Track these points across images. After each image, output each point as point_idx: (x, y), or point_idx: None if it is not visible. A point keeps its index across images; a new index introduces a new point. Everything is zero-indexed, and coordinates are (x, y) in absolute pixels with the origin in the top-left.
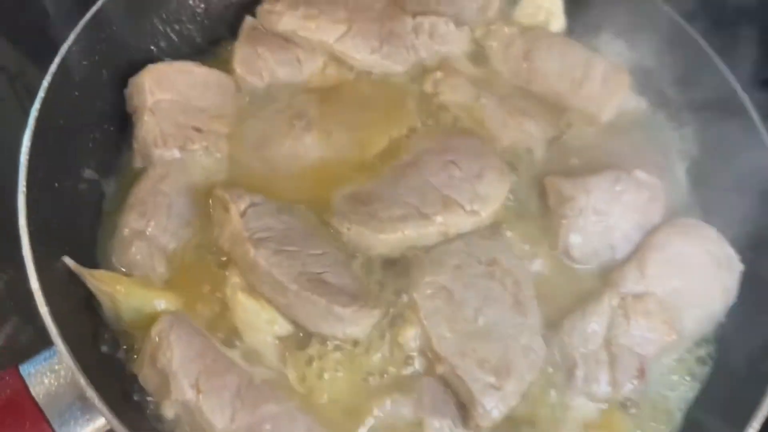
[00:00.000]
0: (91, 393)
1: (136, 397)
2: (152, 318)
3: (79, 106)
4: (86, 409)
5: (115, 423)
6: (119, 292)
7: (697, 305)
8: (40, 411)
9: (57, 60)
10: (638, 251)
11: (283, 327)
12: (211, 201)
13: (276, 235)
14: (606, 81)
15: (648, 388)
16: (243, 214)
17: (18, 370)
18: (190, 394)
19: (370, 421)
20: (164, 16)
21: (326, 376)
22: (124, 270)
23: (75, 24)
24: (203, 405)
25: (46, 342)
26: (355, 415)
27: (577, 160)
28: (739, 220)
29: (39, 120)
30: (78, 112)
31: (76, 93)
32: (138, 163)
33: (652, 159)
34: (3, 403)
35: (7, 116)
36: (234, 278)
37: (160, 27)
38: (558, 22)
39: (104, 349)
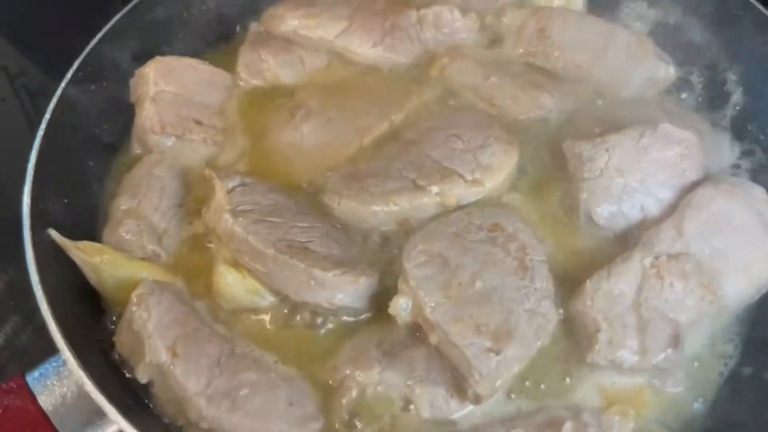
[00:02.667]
0: (100, 399)
1: (146, 400)
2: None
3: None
4: (95, 416)
5: (125, 425)
6: (104, 263)
7: (740, 270)
8: (48, 419)
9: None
10: (676, 210)
11: (266, 299)
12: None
13: (261, 209)
14: (630, 49)
15: (682, 359)
16: (230, 191)
17: (24, 379)
18: (164, 357)
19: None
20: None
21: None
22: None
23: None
24: (178, 369)
25: (45, 342)
26: None
27: (599, 129)
28: None
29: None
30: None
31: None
32: (135, 149)
33: (687, 122)
34: (10, 412)
35: (7, 116)
36: (218, 252)
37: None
38: (576, 7)
39: (115, 357)
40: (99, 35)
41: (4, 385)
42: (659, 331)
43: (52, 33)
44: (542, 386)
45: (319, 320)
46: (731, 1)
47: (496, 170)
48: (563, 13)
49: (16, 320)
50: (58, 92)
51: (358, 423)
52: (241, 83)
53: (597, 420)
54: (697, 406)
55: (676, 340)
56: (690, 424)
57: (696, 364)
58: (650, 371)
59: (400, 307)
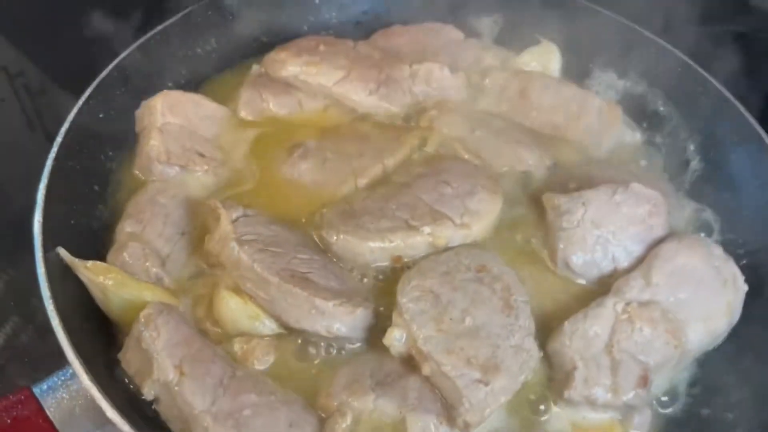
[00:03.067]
0: (111, 413)
1: (149, 414)
2: (141, 310)
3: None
4: (103, 428)
5: None
6: (110, 280)
7: (701, 319)
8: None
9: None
10: (644, 261)
11: (266, 326)
12: (207, 213)
13: (264, 240)
14: (601, 114)
15: (649, 397)
16: (234, 221)
17: (32, 391)
18: (172, 375)
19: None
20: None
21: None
22: None
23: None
24: (185, 387)
25: (45, 342)
26: None
27: (575, 185)
28: (741, 245)
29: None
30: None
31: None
32: (139, 177)
33: (653, 183)
34: (18, 423)
35: (7, 116)
36: (220, 278)
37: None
38: (553, 70)
39: (117, 372)
40: (109, 68)
41: (12, 397)
42: (630, 372)
43: (52, 33)
44: (520, 417)
45: (316, 348)
46: (692, 78)
47: (482, 215)
48: (542, 77)
49: (16, 320)
50: (71, 116)
51: None
52: (241, 120)
53: None
54: None
55: (644, 381)
56: None
57: (661, 401)
58: (620, 408)
59: (395, 338)
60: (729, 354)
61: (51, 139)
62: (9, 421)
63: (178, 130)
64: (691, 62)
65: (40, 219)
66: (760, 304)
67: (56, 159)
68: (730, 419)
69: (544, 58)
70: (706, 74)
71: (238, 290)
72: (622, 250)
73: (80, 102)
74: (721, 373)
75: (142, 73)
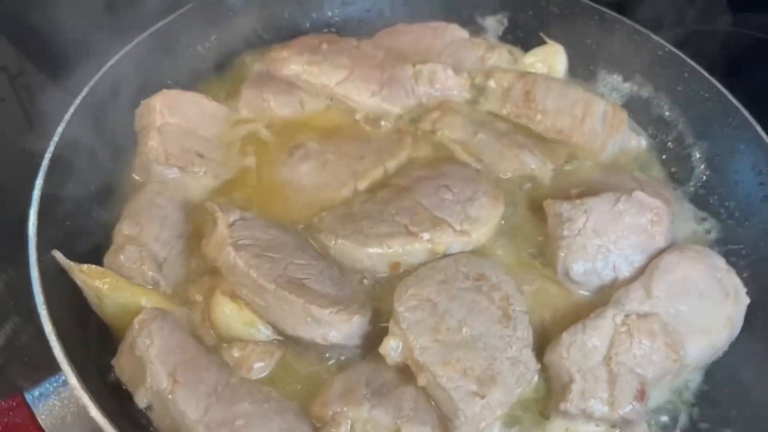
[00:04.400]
0: (102, 421)
1: (143, 422)
2: (136, 314)
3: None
4: None
5: None
6: (106, 284)
7: (701, 332)
8: None
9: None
10: (645, 272)
11: (261, 332)
12: (204, 216)
13: (260, 244)
14: (606, 119)
15: (646, 411)
16: (231, 225)
17: (24, 397)
18: (165, 383)
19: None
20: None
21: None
22: None
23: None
24: (178, 395)
25: (46, 343)
26: None
27: (577, 191)
28: (744, 255)
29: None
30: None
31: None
32: (138, 177)
33: (656, 191)
34: (10, 430)
35: (7, 116)
36: (216, 283)
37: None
38: (558, 72)
39: (111, 377)
40: (107, 65)
41: (3, 403)
42: (627, 385)
43: (52, 33)
44: (515, 430)
45: (312, 355)
46: (698, 84)
47: (483, 222)
48: (546, 79)
49: (16, 320)
50: (67, 116)
51: None
52: (242, 119)
53: None
54: None
55: (641, 395)
56: None
57: (658, 416)
58: (617, 422)
59: (391, 347)
60: (728, 366)
61: (50, 139)
62: (0, 428)
63: (177, 131)
64: (698, 67)
65: (35, 221)
66: (761, 316)
67: (51, 159)
68: None
69: (550, 59)
70: (713, 79)
71: (234, 295)
72: (623, 260)
73: (77, 101)
74: (720, 385)
75: (142, 71)
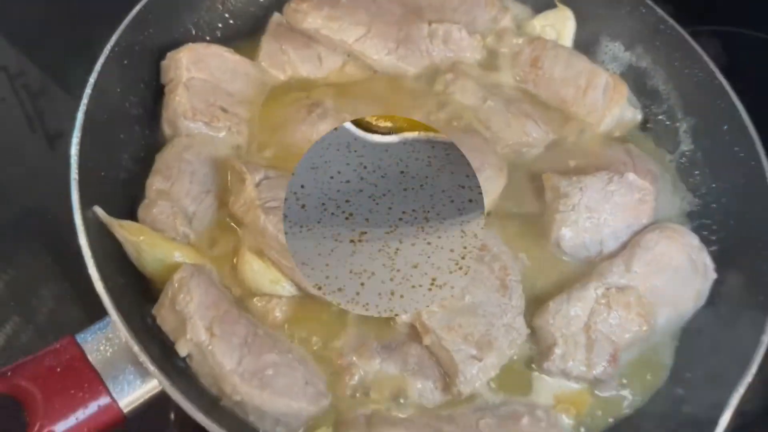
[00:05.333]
0: (143, 358)
1: (179, 363)
2: (172, 268)
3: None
4: (139, 373)
5: (167, 384)
6: (144, 242)
7: (671, 304)
8: (97, 375)
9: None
10: (626, 248)
11: (286, 288)
12: (228, 172)
13: None
14: (607, 91)
15: (617, 372)
16: (257, 185)
17: (75, 338)
18: (204, 337)
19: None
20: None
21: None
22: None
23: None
24: (215, 347)
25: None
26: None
27: (574, 163)
28: (715, 231)
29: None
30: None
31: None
32: (166, 131)
33: (646, 166)
34: (63, 369)
35: (7, 116)
36: (244, 240)
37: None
38: (566, 42)
39: (149, 321)
40: (134, 11)
41: (57, 344)
42: (602, 350)
43: (52, 33)
44: (506, 386)
45: (330, 309)
46: (694, 63)
47: (488, 193)
48: (555, 47)
49: (16, 320)
50: (100, 63)
51: (360, 402)
52: (262, 73)
53: (547, 415)
54: (626, 404)
55: (614, 359)
56: (617, 416)
57: (629, 374)
58: (590, 380)
59: None
60: (684, 334)
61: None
62: (59, 369)
63: (202, 85)
64: (696, 46)
65: (76, 177)
66: (721, 290)
67: (86, 112)
68: (680, 395)
69: (560, 23)
70: (708, 59)
71: (261, 252)
72: (610, 235)
73: (106, 50)
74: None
75: (165, 22)
